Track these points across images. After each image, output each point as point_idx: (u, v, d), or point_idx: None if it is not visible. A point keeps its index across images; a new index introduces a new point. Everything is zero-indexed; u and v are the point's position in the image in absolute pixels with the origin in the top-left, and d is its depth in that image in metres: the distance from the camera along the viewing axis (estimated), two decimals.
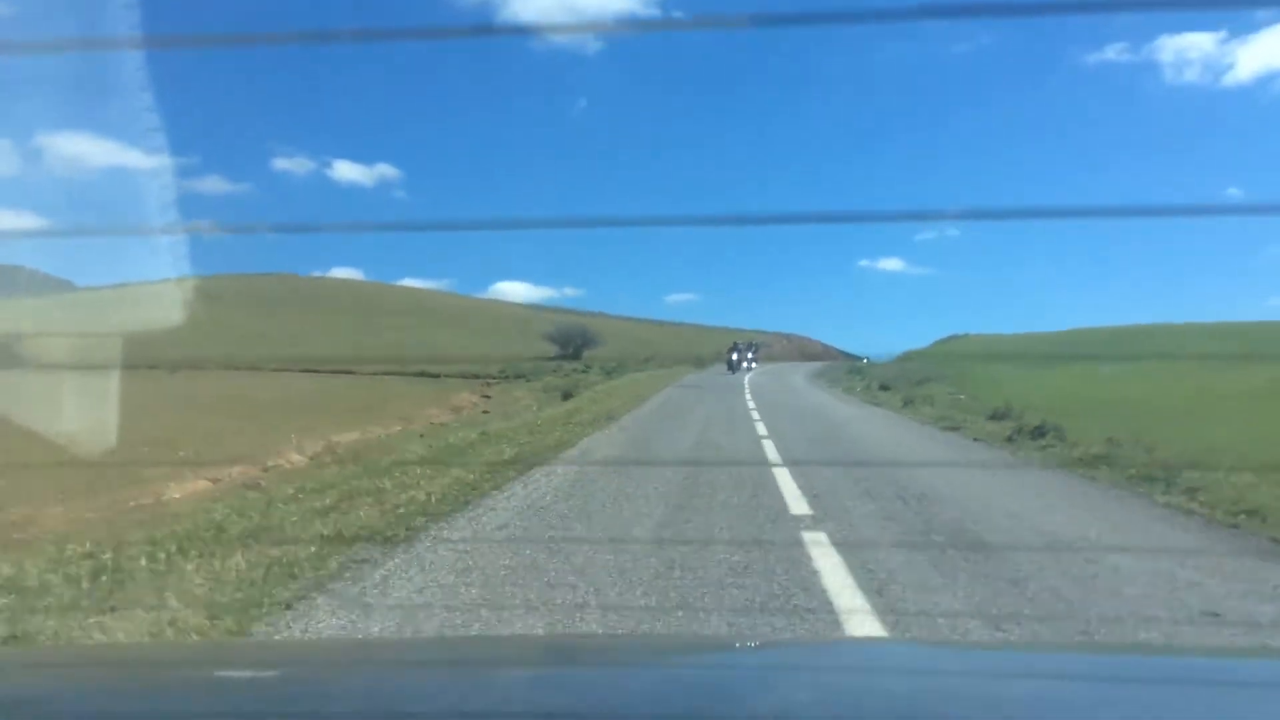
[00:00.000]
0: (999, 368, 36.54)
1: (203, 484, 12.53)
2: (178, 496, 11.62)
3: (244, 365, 39.32)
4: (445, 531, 7.29)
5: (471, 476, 9.92)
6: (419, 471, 10.51)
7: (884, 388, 30.47)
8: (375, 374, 40.18)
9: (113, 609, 4.93)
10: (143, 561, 5.94)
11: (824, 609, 5.05)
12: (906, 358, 51.60)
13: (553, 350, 65.54)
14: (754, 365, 33.74)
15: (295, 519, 7.72)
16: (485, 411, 25.21)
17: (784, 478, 9.93)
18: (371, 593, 5.43)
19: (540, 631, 4.50)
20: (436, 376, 39.21)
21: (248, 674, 1.42)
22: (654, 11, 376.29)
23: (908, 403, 22.99)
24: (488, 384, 37.16)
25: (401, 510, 8.01)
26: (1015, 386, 26.47)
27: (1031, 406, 18.42)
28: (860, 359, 65.35)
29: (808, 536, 6.99)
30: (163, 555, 6.11)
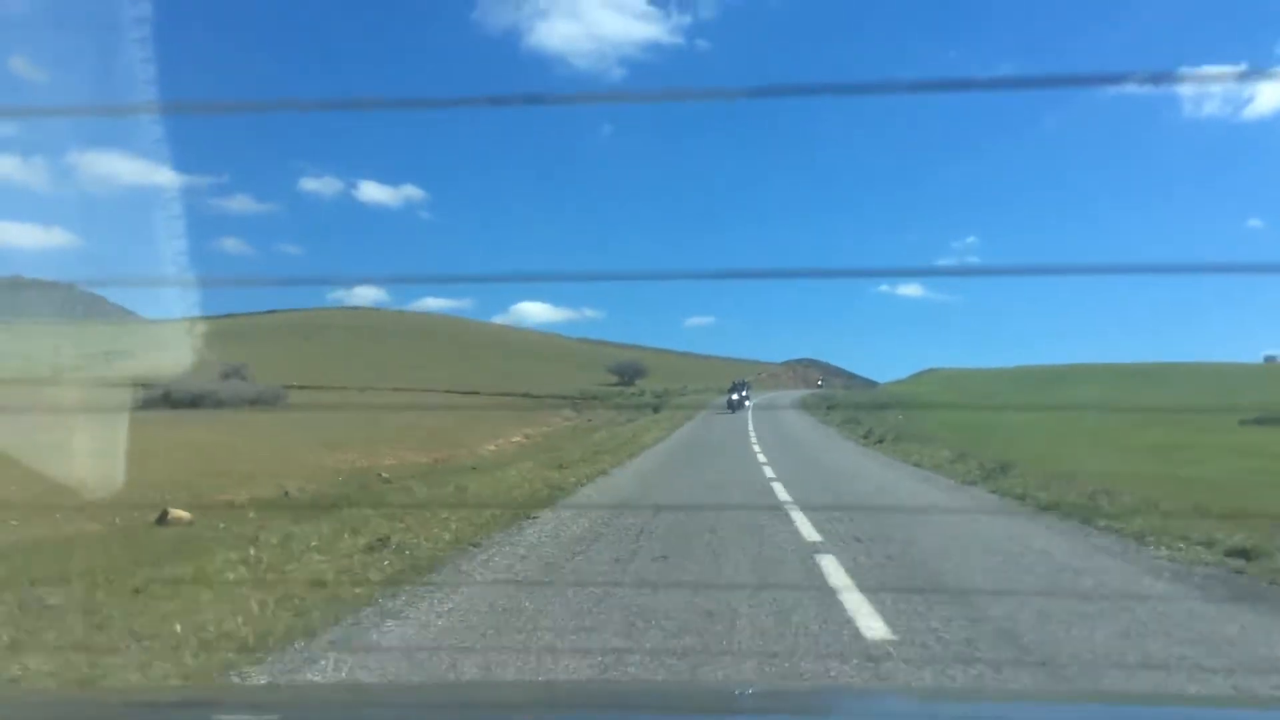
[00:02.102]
0: (936, 399, 49.95)
1: (491, 445, 26.28)
2: (491, 448, 25.37)
3: (405, 388, 53.50)
4: (637, 459, 20.85)
5: (630, 439, 23.75)
6: (597, 438, 24.31)
7: (830, 408, 44.11)
8: (493, 395, 54.21)
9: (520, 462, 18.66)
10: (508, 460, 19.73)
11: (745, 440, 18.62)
12: (884, 388, 64.86)
13: (613, 379, 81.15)
14: (748, 398, 40.55)
15: (569, 447, 21.39)
16: (589, 421, 38.77)
17: (755, 435, 23.63)
18: (629, 462, 19.02)
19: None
20: (537, 398, 53.16)
21: (248, 718, 1.42)
22: (678, 40, 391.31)
23: (845, 421, 36.14)
24: (574, 404, 50.86)
25: (610, 451, 21.76)
26: (939, 414, 39.91)
27: (921, 422, 31.84)
28: (845, 387, 79.67)
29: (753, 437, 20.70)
30: (509, 458, 19.85)
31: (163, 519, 9.59)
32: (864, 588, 6.44)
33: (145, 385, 40.97)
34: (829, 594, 6.30)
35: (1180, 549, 8.01)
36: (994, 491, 13.47)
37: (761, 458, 19.27)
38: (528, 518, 9.82)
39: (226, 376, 51.92)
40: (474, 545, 8.16)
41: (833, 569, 7.17)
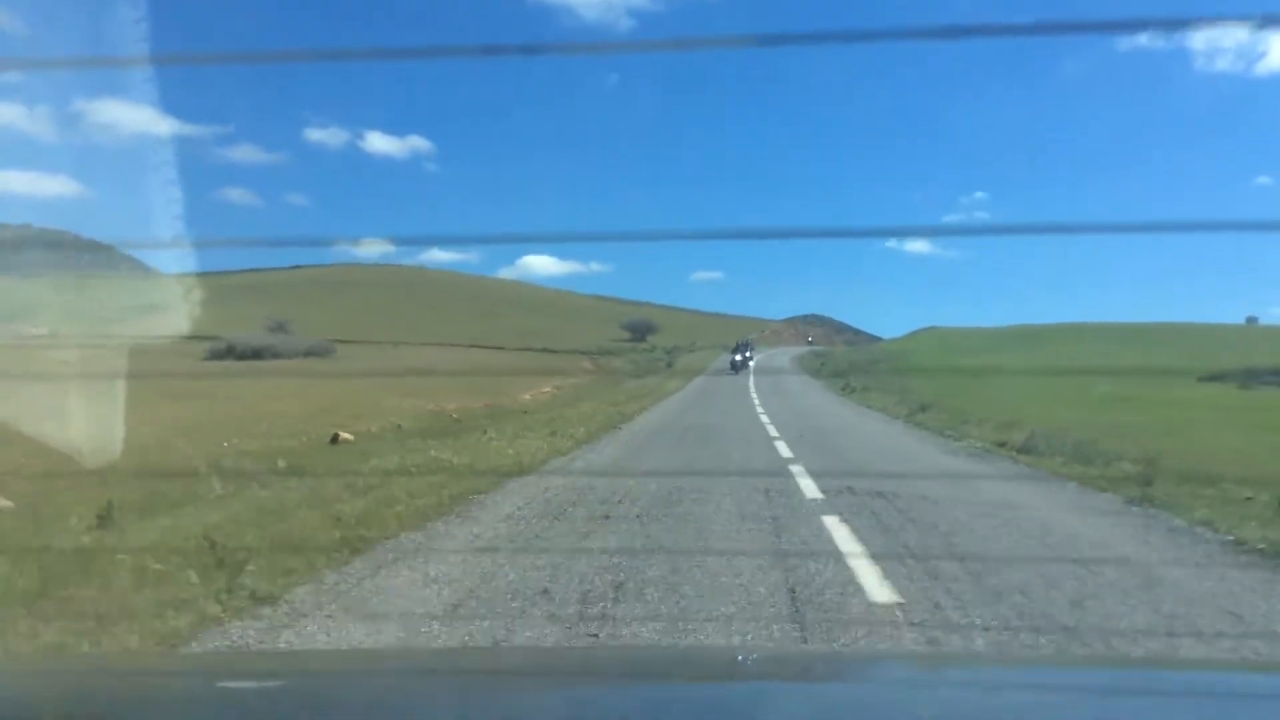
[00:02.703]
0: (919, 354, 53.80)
1: (528, 395, 30.22)
2: (527, 397, 29.31)
3: (430, 342, 57.40)
4: (666, 400, 24.84)
5: (656, 388, 27.81)
6: (629, 387, 28.33)
7: (822, 364, 48.15)
8: (516, 350, 58.20)
9: (569, 407, 22.63)
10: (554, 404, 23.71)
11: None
12: (880, 345, 68.59)
13: (626, 335, 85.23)
14: (751, 358, 40.61)
15: (610, 394, 25.34)
16: (608, 374, 42.62)
17: (754, 387, 27.61)
18: (662, 402, 23.02)
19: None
20: (555, 353, 57.11)
21: (252, 684, 1.41)
22: None
23: (831, 374, 39.92)
24: (593, 359, 54.74)
25: (647, 395, 25.76)
26: (918, 371, 43.80)
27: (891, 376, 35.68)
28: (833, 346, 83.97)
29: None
30: (556, 404, 23.83)
31: (334, 439, 13.52)
32: (794, 450, 12.35)
33: (212, 338, 44.87)
34: (772, 446, 13.04)
35: (977, 445, 13.81)
36: (904, 420, 20.16)
37: (758, 404, 23.27)
38: (616, 428, 16.24)
39: (272, 330, 55.84)
40: (594, 441, 13.95)
41: (780, 443, 13.53)
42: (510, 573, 5.42)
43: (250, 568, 5.08)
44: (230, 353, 39.51)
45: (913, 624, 4.43)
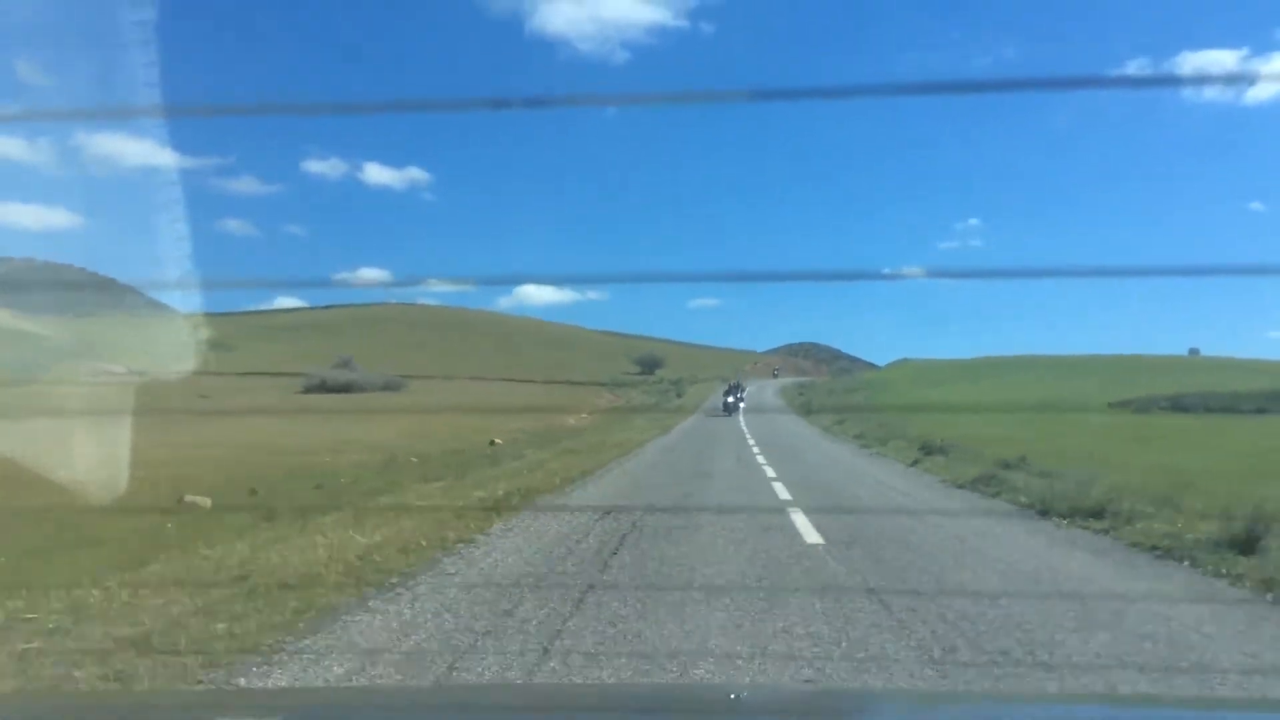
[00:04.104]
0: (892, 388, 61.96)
1: (572, 420, 38.07)
2: (572, 422, 37.18)
3: (471, 377, 65.42)
4: (688, 418, 32.89)
5: (676, 410, 35.89)
6: (655, 414, 36.32)
7: (801, 393, 56.17)
8: (544, 383, 66.17)
9: (624, 420, 30.61)
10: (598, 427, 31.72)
11: None
12: (859, 376, 76.67)
13: (636, 369, 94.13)
14: (742, 399, 42.10)
15: (647, 416, 33.30)
16: (628, 402, 50.45)
17: (743, 418, 35.66)
18: (684, 422, 31.02)
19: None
20: (581, 384, 65.09)
21: None
22: (682, 23, 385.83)
23: (804, 405, 47.76)
24: (611, 389, 62.65)
25: (671, 416, 33.77)
26: (886, 398, 51.79)
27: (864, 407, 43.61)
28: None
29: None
30: (600, 424, 31.81)
31: (492, 443, 21.41)
32: (760, 447, 18.58)
33: (303, 375, 52.75)
34: (747, 443, 19.10)
35: (893, 454, 20.08)
36: (849, 437, 26.72)
37: (744, 427, 31.22)
38: (666, 433, 25.11)
39: (338, 366, 63.62)
40: (664, 434, 21.94)
41: (753, 443, 21.21)
42: (659, 469, 13.31)
43: (538, 492, 12.97)
44: (323, 386, 47.43)
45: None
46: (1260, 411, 42.89)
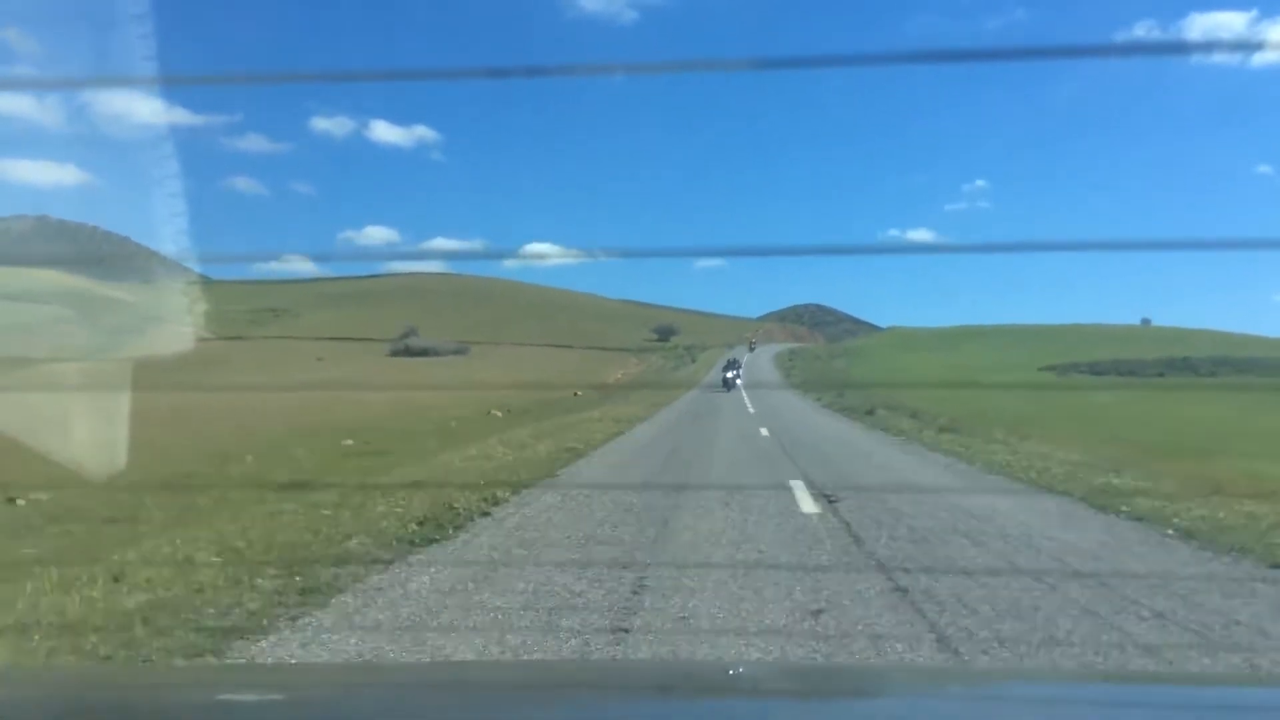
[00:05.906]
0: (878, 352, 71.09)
1: (611, 379, 47.37)
2: (612, 380, 46.44)
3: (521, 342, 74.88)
4: (703, 377, 42.34)
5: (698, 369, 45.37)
6: (682, 373, 45.76)
7: (791, 358, 65.29)
8: (582, 348, 75.65)
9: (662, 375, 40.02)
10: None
11: None
12: (845, 344, 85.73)
13: (654, 337, 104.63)
14: (740, 375, 43.66)
15: (677, 375, 42.59)
16: (651, 365, 59.58)
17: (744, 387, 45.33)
18: (690, 392, 40.42)
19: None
20: (610, 350, 74.55)
21: (253, 698, 1.39)
22: None
23: (792, 368, 56.84)
24: (635, 356, 71.97)
25: (700, 369, 43.18)
26: (869, 363, 60.99)
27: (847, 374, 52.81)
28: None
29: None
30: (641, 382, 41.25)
31: (575, 395, 30.82)
32: (749, 398, 28.24)
33: (388, 341, 62.18)
34: (740, 397, 28.77)
35: (838, 406, 29.43)
36: (815, 399, 35.27)
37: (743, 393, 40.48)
38: (691, 389, 34.82)
39: (403, 336, 72.58)
40: (675, 399, 30.37)
41: (744, 396, 31.31)
42: (692, 405, 22.70)
43: (597, 449, 22.38)
44: (407, 351, 56.94)
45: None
46: (1159, 375, 51.54)
